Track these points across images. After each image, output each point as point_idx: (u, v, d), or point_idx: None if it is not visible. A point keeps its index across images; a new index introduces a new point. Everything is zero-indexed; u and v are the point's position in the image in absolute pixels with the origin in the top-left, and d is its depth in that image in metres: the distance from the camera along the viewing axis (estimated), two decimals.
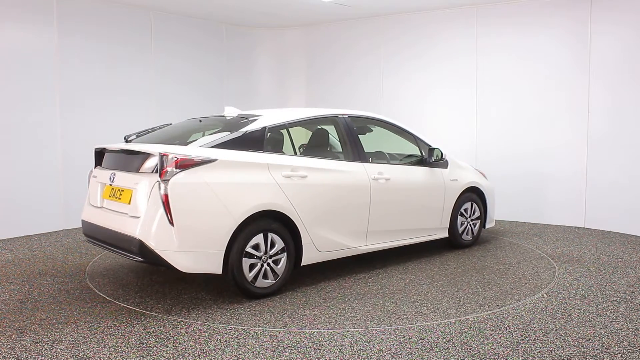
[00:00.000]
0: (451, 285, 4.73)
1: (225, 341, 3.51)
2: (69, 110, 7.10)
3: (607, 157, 7.01)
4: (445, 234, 5.91)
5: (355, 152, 5.10)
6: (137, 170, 4.21)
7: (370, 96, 8.81)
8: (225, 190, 4.12)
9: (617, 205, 6.96)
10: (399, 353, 3.33)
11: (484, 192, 6.27)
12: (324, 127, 5.47)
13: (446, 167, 5.86)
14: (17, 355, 3.29)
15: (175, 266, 3.97)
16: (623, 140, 6.86)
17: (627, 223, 6.87)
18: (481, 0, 7.60)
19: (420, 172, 5.62)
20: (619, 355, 3.28)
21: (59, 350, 3.36)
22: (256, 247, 4.28)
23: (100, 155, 4.88)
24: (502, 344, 3.46)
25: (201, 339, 3.53)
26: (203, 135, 4.59)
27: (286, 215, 4.43)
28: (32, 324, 3.78)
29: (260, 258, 4.30)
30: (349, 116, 5.27)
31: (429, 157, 5.69)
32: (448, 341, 3.50)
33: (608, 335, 3.59)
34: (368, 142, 5.43)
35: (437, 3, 7.81)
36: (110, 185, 4.44)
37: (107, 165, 4.69)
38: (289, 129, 4.83)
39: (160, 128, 5.19)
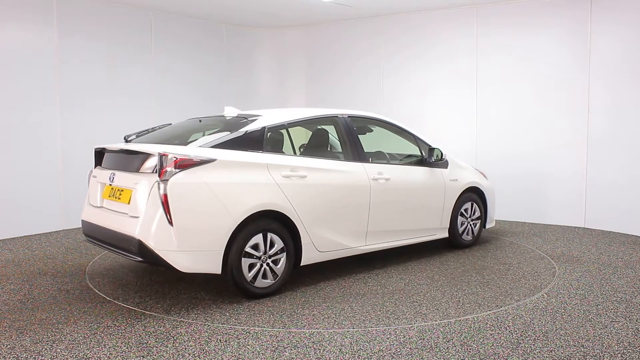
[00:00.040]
0: (451, 285, 4.73)
1: (225, 341, 3.51)
2: (69, 110, 7.10)
3: (607, 157, 7.01)
4: (446, 234, 5.90)
5: (355, 152, 5.10)
6: (136, 170, 4.21)
7: (370, 96, 8.81)
8: (224, 190, 4.12)
9: (617, 205, 6.96)
10: (399, 353, 3.33)
11: (484, 192, 6.26)
12: (323, 127, 5.47)
13: (446, 167, 5.86)
14: (17, 355, 3.29)
15: (174, 266, 3.97)
16: (623, 140, 6.86)
17: (627, 223, 6.87)
18: (481, 0, 7.60)
19: (420, 172, 5.62)
20: (619, 355, 3.28)
21: (59, 350, 3.36)
22: (255, 247, 4.28)
23: (100, 155, 4.88)
24: (502, 344, 3.46)
25: (201, 339, 3.53)
26: (203, 135, 4.59)
27: (285, 215, 4.43)
28: (32, 324, 3.79)
29: (259, 258, 4.30)
30: (348, 116, 5.27)
31: (429, 157, 5.69)
32: (448, 341, 3.50)
33: (608, 335, 3.59)
34: (368, 142, 5.43)
35: (437, 3, 7.81)
36: (110, 185, 4.45)
37: (107, 165, 4.70)
38: (289, 129, 4.83)
39: (160, 128, 5.19)
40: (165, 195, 3.89)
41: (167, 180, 3.92)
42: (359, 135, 5.23)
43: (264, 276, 4.34)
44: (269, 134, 4.60)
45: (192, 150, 4.16)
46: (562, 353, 3.31)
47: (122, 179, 4.31)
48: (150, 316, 3.96)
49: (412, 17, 8.39)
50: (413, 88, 8.46)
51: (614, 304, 4.23)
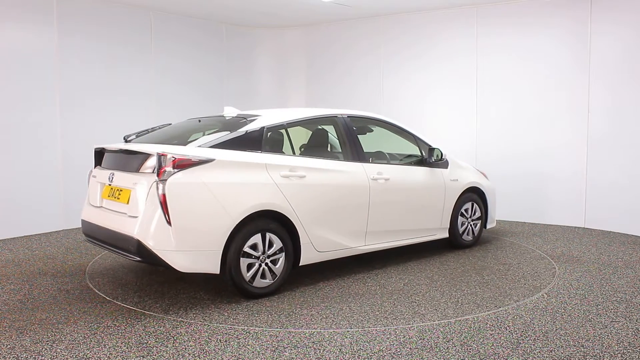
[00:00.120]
0: (450, 285, 4.73)
1: (225, 341, 3.51)
2: (69, 110, 7.10)
3: (607, 157, 7.01)
4: (446, 234, 5.90)
5: (354, 152, 5.10)
6: (135, 170, 4.21)
7: (370, 96, 8.81)
8: (223, 190, 4.13)
9: (617, 205, 6.95)
10: (399, 353, 3.32)
11: (485, 192, 6.26)
12: (323, 127, 5.47)
13: (446, 167, 5.86)
14: (17, 355, 3.29)
15: (173, 266, 3.97)
16: (623, 140, 6.85)
17: (627, 223, 6.87)
18: (481, 0, 7.60)
19: (420, 172, 5.62)
20: (619, 355, 3.28)
21: (59, 350, 3.36)
22: (254, 247, 4.28)
23: (99, 155, 4.88)
24: (502, 344, 3.46)
25: (201, 339, 3.53)
26: (203, 136, 4.59)
27: (284, 215, 4.43)
28: (32, 324, 3.78)
29: (258, 258, 4.30)
30: (348, 116, 5.26)
31: (429, 157, 5.69)
32: (448, 341, 3.50)
33: (608, 335, 3.58)
34: (368, 142, 5.43)
35: (437, 3, 7.81)
36: (109, 185, 4.45)
37: (107, 165, 4.70)
38: (288, 129, 4.83)
39: (160, 128, 5.19)
40: (164, 195, 3.90)
41: (166, 180, 3.92)
42: (358, 135, 5.23)
43: (263, 276, 4.34)
44: (268, 134, 4.60)
45: (190, 150, 4.16)
46: (562, 353, 3.31)
47: (121, 178, 4.31)
48: (150, 316, 3.96)
49: (412, 17, 8.39)
50: (413, 88, 8.46)
51: (614, 304, 4.23)
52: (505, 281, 4.85)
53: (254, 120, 4.65)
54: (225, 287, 4.58)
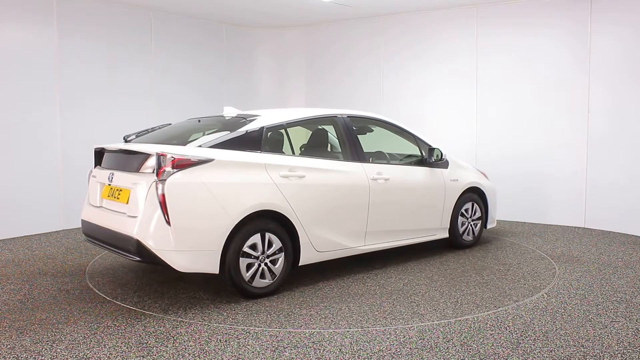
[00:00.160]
0: (449, 285, 4.73)
1: (225, 341, 3.51)
2: (69, 110, 7.10)
3: (607, 157, 7.01)
4: (446, 235, 5.90)
5: (354, 152, 5.10)
6: (135, 170, 4.21)
7: (370, 96, 8.81)
8: (222, 190, 4.13)
9: (617, 205, 6.95)
10: (399, 353, 3.32)
11: (485, 192, 6.26)
12: (323, 127, 5.47)
13: (446, 167, 5.86)
14: (17, 355, 3.29)
15: (172, 266, 3.97)
16: (623, 140, 6.85)
17: (627, 223, 6.87)
18: (481, 0, 7.60)
19: (420, 172, 5.61)
20: (619, 355, 3.28)
21: (59, 350, 3.36)
22: (253, 247, 4.28)
23: (99, 155, 4.88)
24: (502, 344, 3.46)
25: (201, 339, 3.53)
26: (203, 136, 4.60)
27: (284, 215, 4.43)
28: (32, 324, 3.78)
29: (257, 258, 4.30)
30: (348, 116, 5.26)
31: (429, 157, 5.68)
32: (448, 341, 3.50)
33: (608, 335, 3.58)
34: (368, 142, 5.43)
35: (437, 3, 7.81)
36: (109, 185, 4.45)
37: (106, 165, 4.70)
38: (287, 129, 4.83)
39: (160, 128, 5.19)
40: (163, 195, 3.90)
41: (165, 180, 3.92)
42: (358, 135, 5.23)
43: (262, 276, 4.34)
44: (267, 134, 4.60)
45: (189, 150, 4.16)
46: (562, 353, 3.31)
47: (121, 178, 4.31)
48: (150, 316, 3.96)
49: (412, 17, 8.39)
50: (413, 88, 8.46)
51: (614, 304, 4.23)
52: (505, 281, 4.85)
53: (253, 120, 4.65)
54: (224, 287, 4.58)
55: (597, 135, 7.09)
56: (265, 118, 4.71)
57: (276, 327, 3.74)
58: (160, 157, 3.96)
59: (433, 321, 3.87)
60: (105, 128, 7.35)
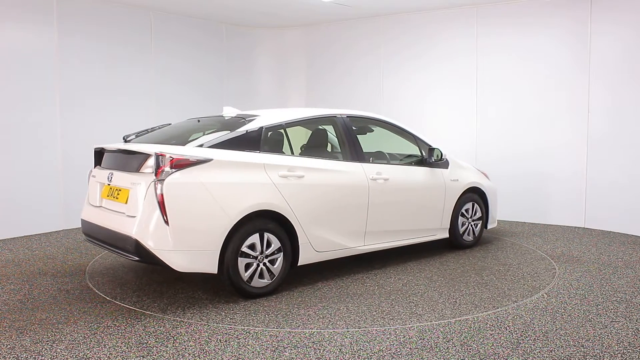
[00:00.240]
0: (449, 286, 4.73)
1: (225, 341, 3.51)
2: (69, 110, 7.10)
3: (607, 157, 7.01)
4: (446, 235, 5.90)
5: (353, 152, 5.10)
6: (134, 170, 4.21)
7: (370, 96, 8.81)
8: (220, 190, 4.13)
9: (617, 205, 6.95)
10: (399, 353, 3.32)
11: (486, 193, 6.25)
12: (323, 127, 5.46)
13: (447, 167, 5.85)
14: (17, 355, 3.29)
15: (170, 265, 3.98)
16: (623, 140, 6.85)
17: (627, 223, 6.86)
18: (481, 0, 7.60)
19: (420, 172, 5.61)
20: (619, 355, 3.28)
21: (59, 350, 3.36)
22: (252, 246, 4.28)
23: (99, 155, 4.89)
24: (502, 344, 3.46)
25: (201, 339, 3.53)
26: (203, 135, 4.60)
27: (282, 215, 4.43)
28: (32, 324, 3.78)
29: (256, 258, 4.30)
30: (347, 116, 5.26)
31: (429, 157, 5.68)
32: (448, 341, 3.50)
33: (608, 335, 3.58)
34: (368, 142, 5.43)
35: (437, 3, 7.81)
36: (109, 184, 4.45)
37: (106, 165, 4.70)
38: (287, 129, 4.82)
39: (159, 128, 5.19)
40: (162, 195, 3.90)
41: (164, 180, 3.92)
42: (358, 135, 5.23)
43: (261, 276, 4.34)
44: (267, 134, 4.60)
45: (188, 150, 4.16)
46: (562, 353, 3.31)
47: (120, 178, 4.32)
48: (149, 316, 3.96)
49: (412, 17, 8.39)
50: (413, 88, 8.46)
51: (614, 304, 4.23)
52: (505, 281, 4.85)
53: (252, 120, 4.65)
54: (223, 287, 4.58)
55: (597, 135, 7.09)
56: (265, 118, 4.70)
57: (275, 327, 3.74)
58: (159, 157, 3.97)
59: (432, 321, 3.86)
60: (105, 128, 7.35)
